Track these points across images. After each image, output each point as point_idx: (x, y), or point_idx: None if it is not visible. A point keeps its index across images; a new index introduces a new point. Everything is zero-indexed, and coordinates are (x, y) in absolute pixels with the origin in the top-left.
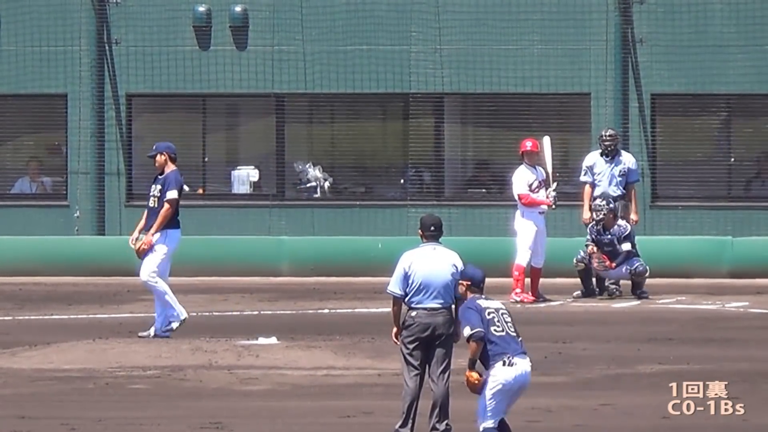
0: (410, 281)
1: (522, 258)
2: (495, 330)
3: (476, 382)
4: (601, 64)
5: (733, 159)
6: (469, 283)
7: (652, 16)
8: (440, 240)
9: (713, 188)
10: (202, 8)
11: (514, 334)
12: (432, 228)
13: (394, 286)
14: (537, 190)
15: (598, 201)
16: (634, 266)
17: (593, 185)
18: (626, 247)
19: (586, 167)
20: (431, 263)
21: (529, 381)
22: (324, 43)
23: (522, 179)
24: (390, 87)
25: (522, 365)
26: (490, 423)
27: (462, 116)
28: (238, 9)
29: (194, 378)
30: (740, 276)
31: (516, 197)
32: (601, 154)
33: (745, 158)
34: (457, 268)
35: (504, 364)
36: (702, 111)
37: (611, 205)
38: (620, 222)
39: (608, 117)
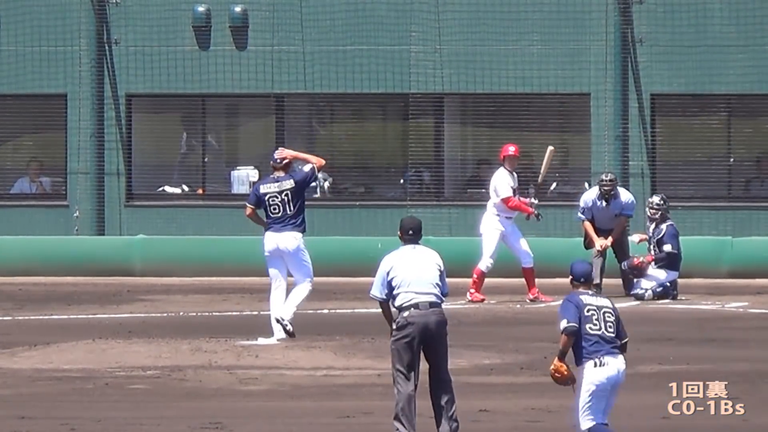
0: (394, 283)
1: (483, 263)
2: (590, 328)
3: (565, 373)
4: (600, 64)
5: (733, 159)
6: (571, 277)
7: (652, 16)
8: (420, 242)
9: (713, 188)
10: (201, 8)
11: (612, 334)
12: (410, 231)
13: (375, 289)
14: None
15: (656, 199)
16: (637, 290)
17: (591, 222)
18: (668, 248)
19: (584, 207)
20: (414, 262)
21: (622, 380)
22: (324, 43)
23: (505, 182)
24: (390, 87)
25: (614, 364)
26: (589, 423)
27: (462, 116)
28: (238, 9)
29: (194, 378)
30: (740, 276)
31: (499, 200)
32: (599, 198)
33: (745, 158)
34: (439, 266)
35: (595, 365)
36: (702, 111)
37: (666, 206)
38: (662, 226)
39: (608, 117)
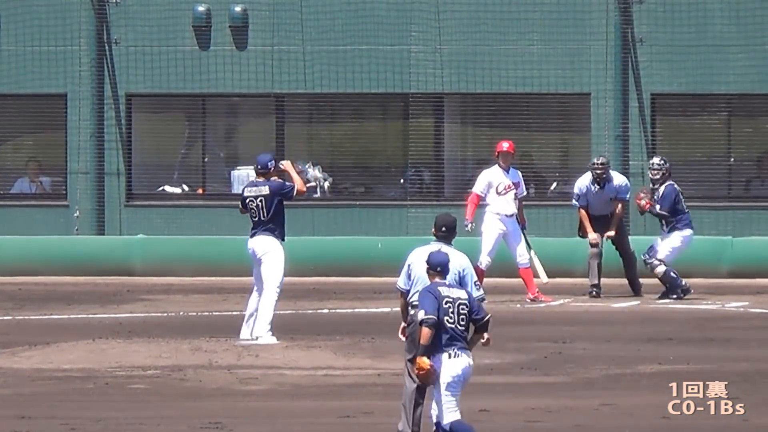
0: (411, 279)
1: (482, 261)
2: (447, 320)
3: (427, 368)
4: (601, 64)
5: (733, 159)
6: (428, 267)
7: (652, 15)
8: (452, 242)
9: (713, 188)
10: (201, 8)
11: (462, 328)
12: (443, 229)
13: (400, 281)
14: (505, 192)
15: (656, 160)
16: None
17: (587, 208)
18: (657, 208)
19: (579, 193)
20: None
21: (471, 374)
22: (324, 43)
23: (485, 179)
24: (390, 87)
25: (465, 359)
26: (456, 415)
27: (462, 116)
28: (238, 9)
29: (194, 378)
30: (740, 276)
31: (493, 196)
32: (592, 182)
33: (745, 158)
34: (458, 270)
35: (450, 357)
36: (702, 111)
37: (667, 165)
38: (662, 187)
39: (608, 117)
